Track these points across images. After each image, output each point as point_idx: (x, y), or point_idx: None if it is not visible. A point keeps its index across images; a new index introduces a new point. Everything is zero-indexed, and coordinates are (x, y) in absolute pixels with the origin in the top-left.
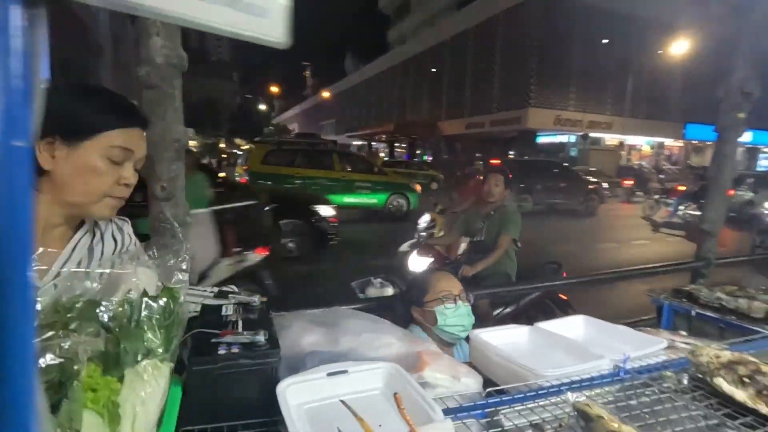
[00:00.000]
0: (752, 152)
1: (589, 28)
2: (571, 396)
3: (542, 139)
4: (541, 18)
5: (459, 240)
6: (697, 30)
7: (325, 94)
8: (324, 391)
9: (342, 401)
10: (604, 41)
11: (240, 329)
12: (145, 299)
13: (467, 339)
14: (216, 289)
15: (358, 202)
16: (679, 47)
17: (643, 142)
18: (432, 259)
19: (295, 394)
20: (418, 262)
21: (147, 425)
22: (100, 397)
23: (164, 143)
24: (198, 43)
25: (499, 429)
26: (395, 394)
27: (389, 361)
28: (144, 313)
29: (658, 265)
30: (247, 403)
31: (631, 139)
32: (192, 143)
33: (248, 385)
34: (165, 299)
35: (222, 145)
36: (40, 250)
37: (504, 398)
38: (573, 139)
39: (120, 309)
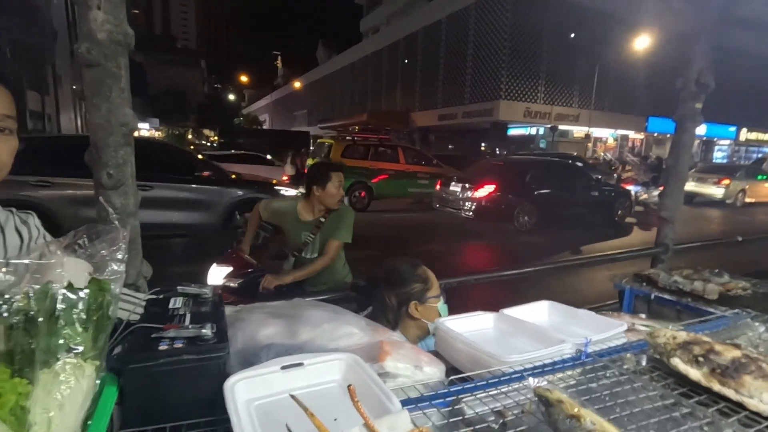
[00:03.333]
0: (708, 145)
1: (557, 22)
2: (532, 381)
3: (513, 131)
4: (512, 11)
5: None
6: (659, 26)
7: (297, 84)
8: (278, 385)
9: (292, 396)
10: (572, 35)
11: (187, 323)
12: (63, 291)
13: None
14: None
15: (419, 191)
16: (642, 42)
17: (608, 135)
18: (231, 269)
19: (245, 390)
20: (216, 274)
21: (66, 430)
22: (4, 402)
23: (109, 127)
24: (162, 29)
25: (461, 417)
26: (349, 386)
27: (349, 352)
28: (62, 306)
29: (621, 251)
30: (194, 402)
31: (597, 132)
32: (157, 134)
33: (194, 383)
34: (89, 292)
35: (189, 136)
36: None
37: (466, 386)
38: (542, 131)
39: (26, 302)
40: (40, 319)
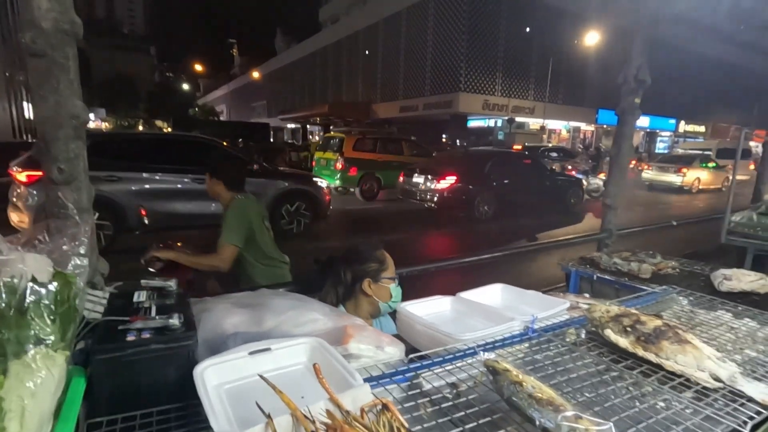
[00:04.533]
0: (652, 136)
1: (512, 17)
2: (483, 356)
3: (472, 123)
4: (469, 3)
5: None
6: (606, 22)
7: (255, 74)
8: (246, 370)
9: (260, 375)
10: (527, 29)
11: (153, 315)
12: (30, 284)
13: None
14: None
15: None
16: (592, 38)
17: (561, 126)
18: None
19: (214, 376)
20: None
21: (39, 417)
22: None
23: (59, 119)
24: (106, 12)
25: (418, 391)
26: (314, 364)
27: (314, 337)
28: (30, 299)
29: (569, 237)
30: (164, 390)
31: (551, 123)
32: (104, 126)
33: (163, 371)
34: (56, 285)
35: (140, 128)
36: None
37: (424, 363)
38: (500, 123)
39: None
40: (10, 313)
